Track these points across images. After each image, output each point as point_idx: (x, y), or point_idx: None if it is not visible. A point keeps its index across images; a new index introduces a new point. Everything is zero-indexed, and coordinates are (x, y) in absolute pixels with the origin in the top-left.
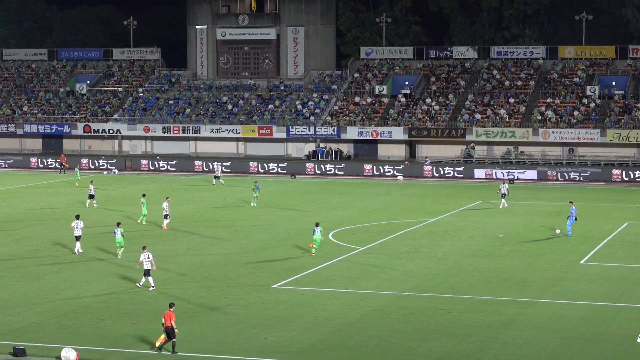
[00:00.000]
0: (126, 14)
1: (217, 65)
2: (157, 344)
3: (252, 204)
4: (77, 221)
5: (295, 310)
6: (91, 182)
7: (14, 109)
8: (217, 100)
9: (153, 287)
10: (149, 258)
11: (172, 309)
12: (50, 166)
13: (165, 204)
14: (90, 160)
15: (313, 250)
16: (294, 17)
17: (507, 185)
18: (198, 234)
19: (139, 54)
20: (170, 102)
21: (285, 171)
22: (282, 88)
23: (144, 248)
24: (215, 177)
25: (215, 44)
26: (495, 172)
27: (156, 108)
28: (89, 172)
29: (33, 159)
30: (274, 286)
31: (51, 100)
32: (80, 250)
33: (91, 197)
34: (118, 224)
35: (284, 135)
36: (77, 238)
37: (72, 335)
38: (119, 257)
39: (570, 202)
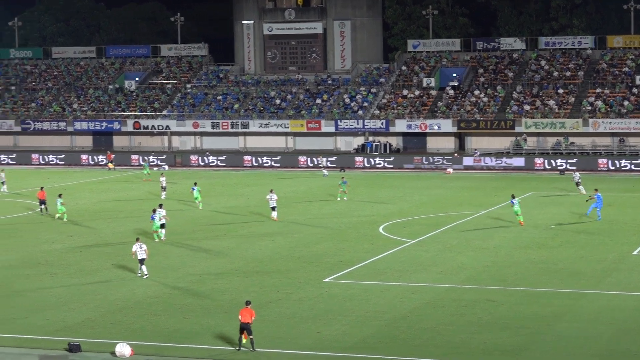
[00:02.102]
0: (173, 10)
1: (265, 60)
2: (244, 340)
3: (343, 198)
4: (160, 210)
5: (347, 304)
6: (162, 174)
7: (64, 106)
8: (265, 95)
9: (147, 275)
10: (141, 247)
11: (249, 306)
12: (100, 163)
13: (269, 196)
14: (141, 157)
15: (157, 238)
16: (341, 11)
17: (578, 174)
18: (248, 228)
19: (187, 50)
20: (218, 97)
21: (334, 165)
22: (329, 82)
23: (137, 239)
24: (324, 168)
25: (262, 39)
26: (550, 162)
27: (205, 104)
28: (140, 168)
29: (84, 156)
30: (326, 280)
31: (100, 97)
32: (164, 239)
33: (163, 189)
34: (154, 210)
35: (332, 129)
36: (162, 226)
37: (126, 330)
38: (160, 239)
39: (596, 189)
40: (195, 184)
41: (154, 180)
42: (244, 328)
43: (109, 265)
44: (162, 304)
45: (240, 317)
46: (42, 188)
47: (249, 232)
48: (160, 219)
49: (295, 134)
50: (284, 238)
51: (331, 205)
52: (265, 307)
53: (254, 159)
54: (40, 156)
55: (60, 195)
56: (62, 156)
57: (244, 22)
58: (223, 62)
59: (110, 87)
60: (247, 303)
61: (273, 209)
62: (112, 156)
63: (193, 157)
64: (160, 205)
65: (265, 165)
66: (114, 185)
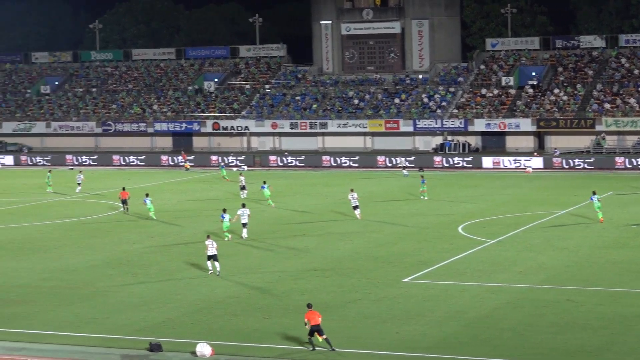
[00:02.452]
0: (251, 11)
1: (343, 60)
2: (320, 340)
3: (423, 198)
4: (244, 209)
5: (426, 304)
6: (240, 174)
7: (144, 108)
8: (344, 95)
9: (219, 270)
10: (212, 245)
11: (312, 308)
12: (180, 164)
13: (350, 195)
14: (220, 157)
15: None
16: (419, 10)
17: None
18: (328, 228)
19: (265, 51)
20: (297, 98)
21: (412, 165)
22: (407, 82)
23: (208, 236)
24: (404, 167)
25: (340, 39)
26: (631, 161)
27: (283, 104)
28: (218, 169)
29: (164, 157)
30: (405, 280)
31: (180, 98)
32: (245, 236)
33: (242, 188)
34: (224, 210)
35: (410, 129)
36: (244, 225)
37: (206, 330)
38: (226, 240)
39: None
40: (264, 182)
41: (232, 180)
42: (315, 330)
43: (189, 265)
44: (241, 304)
45: (308, 320)
46: (124, 188)
47: (328, 232)
48: (229, 220)
49: (373, 134)
50: (363, 238)
51: (410, 204)
52: (344, 307)
53: (332, 159)
54: (121, 157)
55: (147, 195)
56: (143, 157)
57: (322, 22)
58: (301, 62)
59: (190, 88)
60: (309, 306)
61: (355, 207)
62: (186, 156)
63: (272, 158)
64: (243, 205)
65: (343, 165)
66: (193, 185)
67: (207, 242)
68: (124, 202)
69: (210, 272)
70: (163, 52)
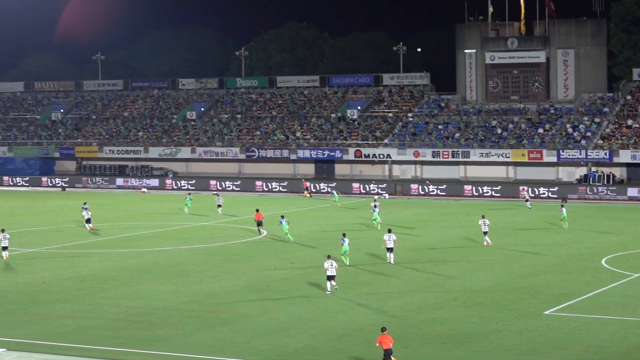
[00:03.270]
0: (396, 39)
1: (486, 89)
2: None
3: (565, 227)
4: (390, 234)
5: (568, 337)
6: (374, 201)
7: (288, 134)
8: (487, 125)
9: (336, 288)
10: (332, 265)
11: (385, 332)
12: (322, 190)
13: (481, 221)
14: (361, 185)
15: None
16: (564, 40)
17: None
18: (467, 258)
19: (409, 79)
20: (439, 126)
21: (555, 196)
22: (552, 111)
23: (328, 257)
24: (526, 199)
25: (484, 67)
26: None
27: (425, 133)
28: (360, 196)
29: (306, 184)
30: (546, 312)
31: (323, 125)
32: (392, 262)
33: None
34: (344, 235)
35: (554, 159)
36: (389, 249)
37: (345, 357)
38: (346, 264)
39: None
40: (282, 216)
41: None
42: (389, 354)
43: (329, 293)
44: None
45: (380, 344)
46: (257, 210)
47: (468, 262)
48: (347, 244)
49: (516, 164)
50: (504, 268)
51: (552, 235)
52: (484, 338)
53: (474, 188)
54: (264, 183)
55: (282, 217)
56: (285, 183)
57: (466, 51)
58: (444, 90)
59: (333, 115)
60: (383, 329)
61: (485, 233)
62: (307, 183)
63: (413, 186)
64: (389, 230)
65: (485, 194)
66: (335, 212)
67: (326, 264)
68: (259, 223)
69: (328, 292)
70: (307, 79)
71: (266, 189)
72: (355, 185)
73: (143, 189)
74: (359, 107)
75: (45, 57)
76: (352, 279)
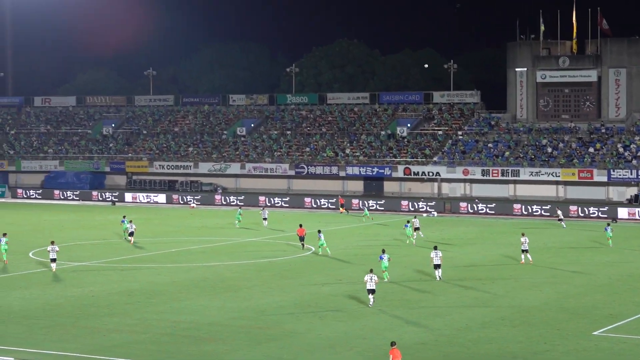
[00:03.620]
0: (447, 57)
1: (537, 108)
2: None
3: (610, 245)
4: (436, 251)
5: (616, 358)
6: (413, 218)
7: (337, 151)
8: (537, 143)
9: (371, 304)
10: (372, 279)
11: (395, 347)
12: (371, 208)
13: (523, 239)
14: (410, 203)
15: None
16: (616, 59)
17: None
18: (515, 277)
19: (459, 97)
20: (489, 144)
21: (605, 215)
22: (603, 131)
23: (370, 270)
24: (559, 219)
25: (535, 86)
26: None
27: (475, 151)
28: (408, 214)
29: (355, 201)
30: (595, 333)
31: (372, 143)
32: (439, 279)
33: (416, 229)
34: (383, 251)
35: (604, 178)
36: (436, 266)
37: None
38: (384, 280)
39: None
40: (319, 231)
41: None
42: None
43: (376, 310)
44: (428, 351)
45: (391, 357)
46: (300, 225)
47: (517, 281)
48: (387, 260)
49: (566, 183)
50: (553, 288)
51: (601, 255)
52: (531, 358)
53: (523, 207)
54: (313, 199)
55: (319, 231)
56: (334, 200)
57: (517, 69)
58: (495, 109)
59: (382, 133)
60: (393, 344)
61: (524, 251)
62: (343, 201)
63: (462, 204)
64: (435, 247)
65: (535, 213)
66: (382, 230)
67: (366, 278)
68: (302, 239)
69: (370, 305)
70: (357, 96)
71: (315, 206)
72: (404, 202)
73: (192, 204)
74: (408, 125)
75: (98, 72)
76: (399, 297)
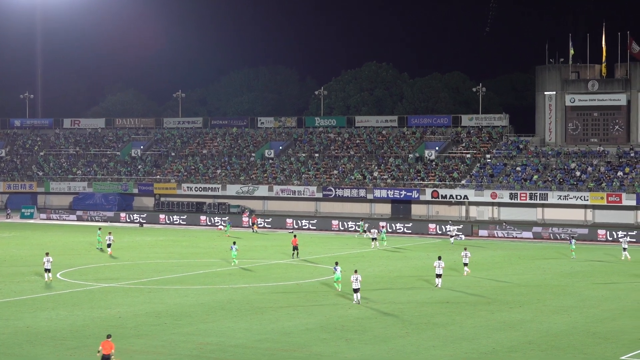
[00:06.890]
0: (475, 80)
1: (566, 131)
2: None
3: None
4: (439, 261)
5: None
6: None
7: (365, 174)
8: (565, 167)
9: (358, 302)
10: (357, 279)
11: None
12: (398, 230)
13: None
14: (437, 226)
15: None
16: None
17: None
18: (544, 301)
19: (487, 121)
20: (517, 168)
21: (635, 240)
22: (632, 154)
23: (355, 271)
24: (623, 249)
25: (564, 110)
26: None
27: (503, 174)
28: (435, 237)
29: (382, 223)
30: (622, 358)
31: (400, 166)
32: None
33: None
34: (337, 263)
35: (633, 202)
36: (438, 276)
37: None
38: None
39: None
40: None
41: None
42: None
43: (403, 332)
44: None
45: None
46: (295, 235)
47: (545, 305)
48: (340, 272)
49: (594, 207)
50: (580, 312)
51: (629, 279)
52: None
53: (551, 231)
54: (340, 222)
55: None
56: (361, 223)
57: (546, 92)
58: (523, 132)
59: (411, 155)
60: (108, 337)
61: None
62: (366, 225)
63: (490, 227)
64: (439, 257)
65: (563, 238)
66: (411, 253)
67: (352, 278)
68: (294, 248)
69: (354, 302)
70: (386, 119)
71: (342, 228)
72: (432, 226)
73: (220, 226)
74: (437, 148)
75: (127, 94)
76: (427, 320)
